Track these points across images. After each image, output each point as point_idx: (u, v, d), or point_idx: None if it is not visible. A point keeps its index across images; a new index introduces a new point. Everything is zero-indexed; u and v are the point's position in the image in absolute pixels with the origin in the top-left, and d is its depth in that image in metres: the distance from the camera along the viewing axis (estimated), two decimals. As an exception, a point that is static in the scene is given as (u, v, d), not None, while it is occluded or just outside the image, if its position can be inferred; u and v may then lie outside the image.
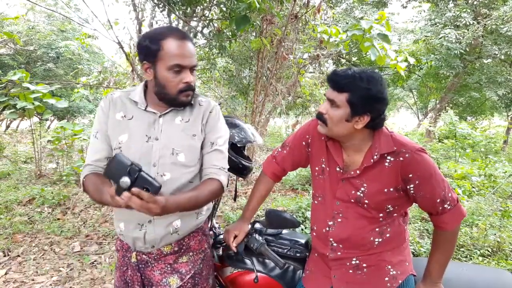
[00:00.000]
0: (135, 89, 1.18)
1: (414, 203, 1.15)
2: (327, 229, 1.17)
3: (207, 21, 3.73)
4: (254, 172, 4.69)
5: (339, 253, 1.16)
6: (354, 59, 10.23)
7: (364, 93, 1.01)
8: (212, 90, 7.08)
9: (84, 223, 3.46)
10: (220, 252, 1.42)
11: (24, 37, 9.64)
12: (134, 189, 0.86)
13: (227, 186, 1.20)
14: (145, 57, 1.07)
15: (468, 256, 2.77)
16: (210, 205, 1.30)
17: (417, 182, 1.05)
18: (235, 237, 1.28)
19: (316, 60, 5.40)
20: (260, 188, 1.37)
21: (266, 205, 4.00)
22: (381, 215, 1.12)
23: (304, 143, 1.27)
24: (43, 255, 2.81)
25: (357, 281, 1.15)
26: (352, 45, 4.49)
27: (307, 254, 1.32)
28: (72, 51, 10.23)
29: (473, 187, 4.55)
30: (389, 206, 1.11)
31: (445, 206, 1.08)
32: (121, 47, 3.37)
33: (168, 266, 1.17)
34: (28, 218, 3.47)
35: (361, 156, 1.12)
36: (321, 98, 5.88)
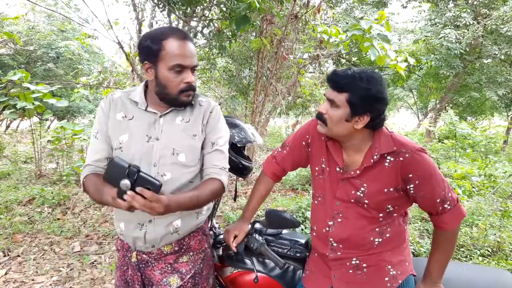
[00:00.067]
0: (135, 89, 1.18)
1: (414, 203, 1.15)
2: (327, 229, 1.17)
3: (207, 21, 3.73)
4: (254, 172, 4.69)
5: (339, 253, 1.16)
6: (354, 59, 10.23)
7: (364, 93, 1.01)
8: (212, 90, 7.08)
9: (84, 223, 3.46)
10: (220, 252, 1.42)
11: (24, 37, 9.64)
12: (137, 188, 0.86)
13: (227, 186, 1.20)
14: (146, 57, 1.07)
15: (468, 256, 2.77)
16: (210, 205, 1.30)
17: (417, 182, 1.05)
18: (235, 237, 1.28)
19: (316, 60, 5.40)
20: (260, 188, 1.37)
21: (266, 205, 4.00)
22: (381, 215, 1.12)
23: (304, 143, 1.27)
24: (43, 255, 2.81)
25: (357, 281, 1.15)
26: (352, 45, 4.49)
27: (307, 254, 1.32)
28: (72, 51, 10.23)
29: (473, 187, 4.55)
30: (389, 206, 1.11)
31: (445, 206, 1.08)
32: (121, 47, 3.37)
33: (169, 265, 1.17)
34: (28, 218, 3.47)
35: (361, 156, 1.12)
36: (321, 98, 5.88)
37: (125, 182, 0.86)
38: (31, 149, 6.44)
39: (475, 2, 10.28)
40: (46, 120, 8.87)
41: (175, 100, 1.10)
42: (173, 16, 3.90)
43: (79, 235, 3.17)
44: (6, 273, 2.51)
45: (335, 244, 1.16)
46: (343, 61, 9.96)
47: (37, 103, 3.85)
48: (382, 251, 1.14)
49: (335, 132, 1.10)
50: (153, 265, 1.16)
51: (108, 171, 0.89)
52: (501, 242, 2.86)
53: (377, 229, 1.12)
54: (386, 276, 1.13)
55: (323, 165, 1.20)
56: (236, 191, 1.63)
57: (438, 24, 10.25)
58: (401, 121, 20.57)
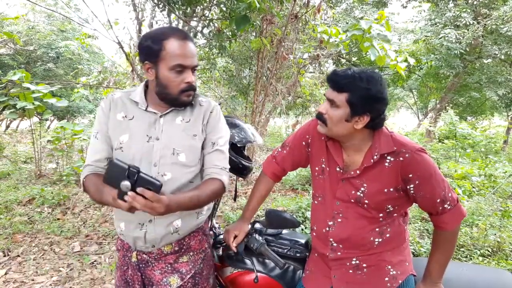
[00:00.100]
0: (135, 90, 1.18)
1: (414, 203, 1.15)
2: (327, 229, 1.17)
3: (207, 21, 3.73)
4: (254, 172, 4.69)
5: (339, 253, 1.16)
6: (354, 59, 10.23)
7: (364, 93, 1.01)
8: (212, 90, 7.08)
9: (84, 223, 3.46)
10: (220, 252, 1.42)
11: (24, 37, 9.65)
12: (138, 189, 0.87)
13: (228, 186, 1.20)
14: (147, 57, 1.07)
15: (468, 256, 2.77)
16: (211, 205, 1.30)
17: (417, 182, 1.05)
18: (235, 237, 1.28)
19: (316, 60, 5.40)
20: (260, 188, 1.37)
21: (266, 205, 4.00)
22: (381, 215, 1.12)
23: (304, 143, 1.27)
24: (43, 255, 2.81)
25: (357, 281, 1.15)
26: (352, 45, 4.49)
27: (307, 254, 1.32)
28: (72, 51, 10.24)
29: (473, 187, 4.55)
30: (389, 206, 1.11)
31: (445, 206, 1.08)
32: (121, 47, 3.37)
33: (169, 265, 1.17)
34: (28, 218, 3.47)
35: (361, 156, 1.12)
36: (321, 98, 5.88)
37: (126, 183, 0.86)
38: (31, 149, 6.44)
39: (475, 2, 10.27)
40: (46, 120, 8.87)
41: (176, 100, 1.10)
42: (173, 16, 3.91)
43: (79, 235, 3.17)
44: (6, 273, 2.51)
45: (335, 244, 1.16)
46: (343, 61, 9.97)
47: (37, 103, 3.85)
48: (382, 251, 1.14)
49: (335, 132, 1.10)
50: (153, 265, 1.16)
51: (108, 173, 0.89)
52: (501, 242, 2.86)
53: (377, 229, 1.12)
54: (386, 276, 1.13)
55: (323, 165, 1.20)
56: (236, 191, 1.63)
57: (438, 24, 10.24)
58: (401, 121, 20.57)
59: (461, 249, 2.85)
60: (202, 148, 1.17)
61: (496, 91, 10.79)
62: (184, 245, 1.19)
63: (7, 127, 11.05)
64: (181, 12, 3.48)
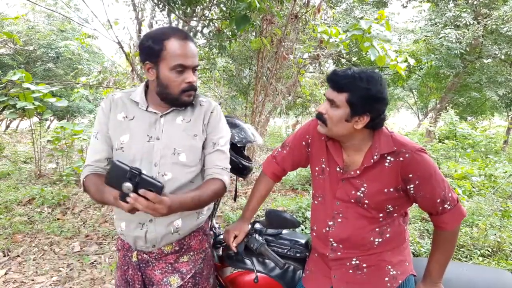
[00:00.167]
0: (135, 90, 1.18)
1: (414, 203, 1.15)
2: (327, 229, 1.17)
3: (207, 21, 3.73)
4: (254, 172, 4.69)
5: (339, 253, 1.16)
6: (354, 59, 10.23)
7: (364, 93, 1.01)
8: (212, 90, 7.08)
9: (84, 223, 3.46)
10: (220, 252, 1.42)
11: (24, 37, 9.64)
12: (140, 190, 0.87)
13: (228, 186, 1.20)
14: (148, 57, 1.07)
15: (468, 256, 2.77)
16: (211, 205, 1.30)
17: (417, 182, 1.05)
18: (235, 237, 1.28)
19: (316, 60, 5.40)
20: (260, 188, 1.37)
21: (266, 205, 4.00)
22: (381, 215, 1.12)
23: (304, 143, 1.27)
24: (43, 255, 2.81)
25: (357, 281, 1.15)
26: (352, 45, 4.49)
27: (307, 254, 1.32)
28: (72, 51, 10.24)
29: (473, 187, 4.55)
30: (389, 206, 1.11)
31: (445, 206, 1.08)
32: (121, 47, 3.37)
33: (169, 265, 1.17)
34: (28, 218, 3.47)
35: (361, 156, 1.12)
36: (321, 98, 5.88)
37: (128, 185, 0.87)
38: (31, 149, 6.44)
39: (475, 2, 10.27)
40: (46, 120, 8.87)
41: (177, 100, 1.10)
42: (173, 16, 3.91)
43: (79, 235, 3.17)
44: (6, 273, 2.51)
45: (335, 244, 1.16)
46: (343, 61, 9.96)
47: (37, 103, 3.85)
48: (382, 251, 1.14)
49: (335, 132, 1.09)
50: (154, 264, 1.17)
51: (110, 175, 0.89)
52: (501, 242, 2.86)
53: (377, 229, 1.12)
54: (386, 276, 1.13)
55: (323, 165, 1.20)
56: (236, 191, 1.63)
57: (438, 24, 10.24)
58: (401, 121, 20.57)
59: (461, 249, 2.85)
60: (203, 148, 1.17)
61: (496, 91, 10.79)
62: (185, 245, 1.19)
63: (7, 127, 11.06)
64: (181, 12, 3.48)
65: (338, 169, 1.15)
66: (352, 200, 1.12)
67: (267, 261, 1.33)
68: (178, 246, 1.17)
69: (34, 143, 5.13)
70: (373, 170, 1.09)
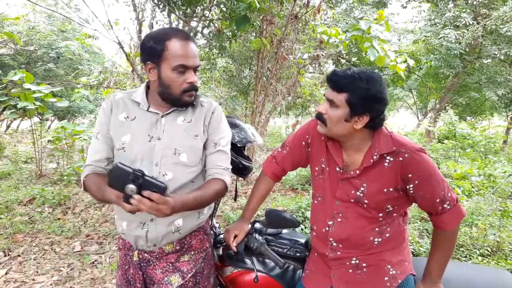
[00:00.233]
0: (136, 90, 1.19)
1: (413, 203, 1.16)
2: (327, 229, 1.17)
3: (207, 21, 3.73)
4: (254, 172, 4.69)
5: (338, 253, 1.16)
6: (354, 59, 10.23)
7: (363, 93, 1.01)
8: (212, 90, 7.08)
9: (84, 223, 3.46)
10: (220, 252, 1.43)
11: (25, 37, 9.64)
12: (144, 192, 0.88)
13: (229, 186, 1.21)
14: (149, 58, 1.08)
15: (468, 256, 2.78)
16: (211, 204, 1.31)
17: (416, 182, 1.06)
18: (235, 236, 1.29)
19: (316, 60, 5.41)
20: (260, 188, 1.37)
21: (266, 205, 4.01)
22: (380, 215, 1.12)
23: (304, 143, 1.28)
24: (43, 255, 2.82)
25: (356, 280, 1.15)
26: (352, 46, 4.49)
27: (307, 253, 1.32)
28: (73, 51, 10.23)
29: (472, 187, 4.55)
30: (389, 206, 1.11)
31: (445, 206, 1.08)
32: (122, 47, 3.38)
33: (170, 264, 1.17)
34: (29, 218, 3.48)
35: (361, 156, 1.12)
36: (321, 98, 5.89)
37: (131, 187, 0.88)
38: (31, 149, 6.45)
39: (474, 2, 10.28)
40: (47, 120, 8.88)
41: (178, 100, 1.11)
42: (173, 16, 3.91)
43: (79, 235, 3.18)
44: (6, 273, 2.51)
45: (335, 244, 1.16)
46: (343, 61, 9.97)
47: (38, 103, 3.86)
48: (382, 250, 1.14)
49: (335, 132, 1.10)
50: (155, 264, 1.17)
51: (112, 177, 0.90)
52: (500, 242, 2.86)
53: (376, 229, 1.13)
54: (386, 275, 1.14)
55: (323, 165, 1.20)
56: (236, 191, 1.63)
57: (437, 24, 10.25)
58: (401, 121, 20.56)
59: (460, 249, 2.85)
60: (204, 148, 1.18)
61: (496, 91, 10.78)
62: (186, 244, 1.19)
63: (8, 127, 11.06)
64: (181, 12, 3.49)
65: (338, 169, 1.16)
66: (352, 200, 1.13)
67: (267, 260, 1.34)
68: (179, 246, 1.18)
69: (35, 143, 5.13)
70: (372, 170, 1.09)
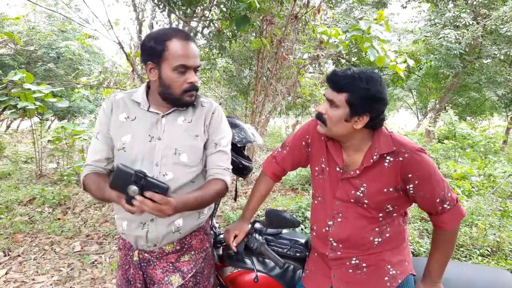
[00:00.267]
0: (137, 90, 1.19)
1: (413, 203, 1.16)
2: (327, 229, 1.17)
3: (207, 22, 3.73)
4: (254, 172, 4.69)
5: (339, 253, 1.16)
6: (354, 59, 10.23)
7: (363, 93, 1.01)
8: (212, 90, 7.09)
9: (84, 223, 3.46)
10: (220, 252, 1.43)
11: (25, 37, 9.65)
12: (147, 193, 0.88)
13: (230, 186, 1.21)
14: (150, 58, 1.08)
15: (468, 256, 2.78)
16: (212, 204, 1.31)
17: (416, 182, 1.06)
18: (235, 236, 1.29)
19: (316, 60, 5.41)
20: (260, 188, 1.37)
21: (266, 205, 4.01)
22: (380, 215, 1.12)
23: (304, 143, 1.28)
24: (43, 255, 2.82)
25: (356, 280, 1.15)
26: (351, 46, 4.50)
27: (307, 253, 1.32)
28: (73, 52, 10.24)
29: (472, 187, 4.56)
30: (389, 206, 1.11)
31: (445, 206, 1.08)
32: (122, 48, 3.38)
33: (170, 264, 1.18)
34: (29, 218, 3.48)
35: (361, 156, 1.12)
36: (321, 98, 5.89)
37: (134, 188, 0.88)
38: (31, 149, 6.45)
39: (474, 2, 10.28)
40: (47, 120, 8.88)
41: (178, 100, 1.11)
42: (173, 16, 3.91)
43: (79, 235, 3.18)
44: (6, 273, 2.51)
45: (335, 244, 1.16)
46: (343, 61, 9.97)
47: (38, 103, 3.86)
48: (382, 250, 1.14)
49: (335, 132, 1.10)
50: (155, 264, 1.17)
51: (114, 179, 0.90)
52: (500, 242, 2.86)
53: (376, 229, 1.13)
54: (386, 275, 1.14)
55: (323, 165, 1.20)
56: (236, 191, 1.64)
57: (437, 24, 10.25)
58: (401, 121, 20.57)
59: (460, 249, 2.85)
60: (204, 148, 1.18)
61: (496, 91, 10.79)
62: (186, 244, 1.19)
63: (8, 127, 11.06)
64: (181, 12, 3.49)
65: (338, 169, 1.16)
66: (352, 200, 1.13)
67: (267, 260, 1.34)
68: (179, 246, 1.18)
69: (35, 143, 5.14)
70: (372, 170, 1.10)
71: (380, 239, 1.13)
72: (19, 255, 2.77)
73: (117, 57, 7.57)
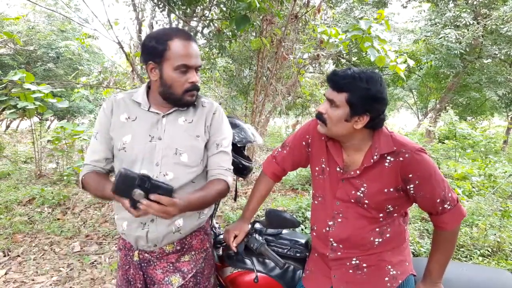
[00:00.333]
0: (137, 91, 1.19)
1: (414, 203, 1.15)
2: (327, 229, 1.17)
3: (207, 21, 3.73)
4: (254, 172, 4.69)
5: (339, 253, 1.16)
6: (354, 59, 10.23)
7: (364, 93, 1.01)
8: (212, 90, 7.09)
9: (84, 223, 3.46)
10: (220, 252, 1.42)
11: (24, 37, 9.65)
12: (152, 195, 0.88)
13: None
14: (151, 57, 1.08)
15: (468, 256, 2.78)
16: (212, 205, 1.30)
17: (417, 182, 1.06)
18: (235, 237, 1.29)
19: (316, 60, 5.41)
20: (260, 188, 1.37)
21: (266, 205, 4.01)
22: (381, 215, 1.12)
23: (304, 143, 1.27)
24: (43, 255, 2.81)
25: (357, 281, 1.15)
26: (352, 45, 4.49)
27: (307, 254, 1.32)
28: (72, 51, 10.25)
29: (473, 187, 4.55)
30: (389, 206, 1.11)
31: (445, 206, 1.08)
32: (121, 47, 3.37)
33: (170, 265, 1.17)
34: (28, 218, 3.47)
35: (361, 156, 1.12)
36: (321, 98, 5.89)
37: (139, 192, 0.88)
38: (31, 149, 6.45)
39: (475, 2, 10.28)
40: (46, 120, 8.88)
41: (180, 100, 1.11)
42: (173, 16, 3.91)
43: (79, 235, 3.17)
44: (6, 273, 2.51)
45: (335, 244, 1.16)
46: (343, 61, 9.96)
47: (38, 103, 3.86)
48: (382, 251, 1.14)
49: (335, 132, 1.10)
50: (155, 264, 1.17)
51: (118, 184, 0.89)
52: (501, 242, 2.86)
53: (377, 229, 1.13)
54: (386, 276, 1.14)
55: (323, 165, 1.20)
56: (236, 191, 1.63)
57: (438, 24, 10.25)
58: (401, 121, 20.58)
59: (461, 249, 2.85)
60: (206, 149, 1.18)
61: (496, 91, 10.79)
62: (186, 245, 1.19)
63: (7, 127, 11.07)
64: (181, 12, 3.48)
65: (338, 169, 1.16)
66: (352, 200, 1.12)
67: (267, 261, 1.33)
68: (179, 246, 1.18)
69: (35, 143, 5.13)
70: (373, 170, 1.09)
71: (380, 239, 1.13)
72: (18, 255, 2.77)
73: (116, 57, 7.58)
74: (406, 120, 22.15)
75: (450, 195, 1.08)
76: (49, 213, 3.64)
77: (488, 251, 2.81)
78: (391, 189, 1.08)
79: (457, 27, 9.73)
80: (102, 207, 3.85)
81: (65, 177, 4.52)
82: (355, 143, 1.12)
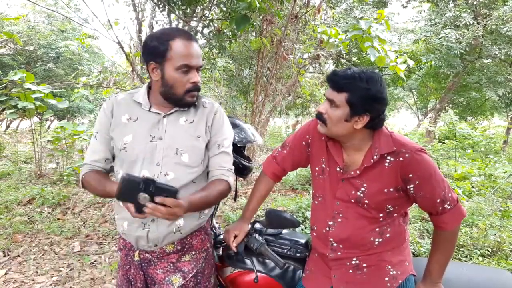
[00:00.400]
0: (138, 91, 1.19)
1: (414, 203, 1.15)
2: (327, 229, 1.17)
3: (207, 21, 3.73)
4: (254, 172, 4.69)
5: (339, 253, 1.16)
6: (354, 59, 10.23)
7: (364, 93, 1.01)
8: (212, 90, 7.09)
9: (84, 223, 3.46)
10: (220, 252, 1.42)
11: (24, 37, 9.65)
12: (157, 198, 0.88)
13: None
14: (152, 58, 1.08)
15: (468, 256, 2.78)
16: (212, 205, 1.31)
17: (417, 182, 1.06)
18: (235, 237, 1.29)
19: (316, 60, 5.41)
20: (260, 188, 1.37)
21: (266, 205, 4.01)
22: (381, 215, 1.12)
23: (304, 143, 1.27)
24: (43, 255, 2.81)
25: (357, 281, 1.15)
26: (352, 45, 4.49)
27: (307, 254, 1.32)
28: (72, 51, 10.25)
29: (473, 187, 4.55)
30: (389, 206, 1.11)
31: (445, 206, 1.08)
32: (121, 47, 3.37)
33: (171, 264, 1.17)
34: (28, 218, 3.47)
35: (361, 156, 1.12)
36: (321, 98, 5.89)
37: (144, 196, 0.87)
38: (31, 149, 6.45)
39: (475, 2, 10.28)
40: (46, 120, 8.88)
41: (181, 100, 1.11)
42: (173, 16, 3.91)
43: (79, 235, 3.17)
44: (6, 273, 2.51)
45: (335, 244, 1.16)
46: (343, 61, 9.96)
47: (38, 103, 3.86)
48: (382, 251, 1.14)
49: (335, 132, 1.10)
50: (156, 264, 1.17)
51: (122, 189, 0.89)
52: (501, 242, 2.86)
53: (377, 229, 1.13)
54: (386, 276, 1.14)
55: (323, 165, 1.20)
56: (236, 191, 1.63)
57: (438, 24, 10.25)
58: (401, 121, 20.58)
59: (461, 249, 2.85)
60: (207, 149, 1.18)
61: (496, 91, 10.80)
62: (187, 244, 1.19)
63: (7, 127, 11.07)
64: (181, 12, 3.48)
65: (338, 169, 1.16)
66: (352, 200, 1.12)
67: (267, 261, 1.33)
68: (180, 246, 1.18)
69: (35, 143, 5.13)
70: (373, 170, 1.09)
71: (380, 239, 1.13)
72: (18, 255, 2.77)
73: (116, 57, 7.58)
74: (406, 120, 22.15)
75: (450, 195, 1.08)
76: (49, 213, 3.64)
77: (488, 251, 2.81)
78: (391, 189, 1.08)
79: (457, 27, 9.73)
80: (102, 207, 3.85)
81: (65, 177, 4.53)
82: (355, 143, 1.12)
